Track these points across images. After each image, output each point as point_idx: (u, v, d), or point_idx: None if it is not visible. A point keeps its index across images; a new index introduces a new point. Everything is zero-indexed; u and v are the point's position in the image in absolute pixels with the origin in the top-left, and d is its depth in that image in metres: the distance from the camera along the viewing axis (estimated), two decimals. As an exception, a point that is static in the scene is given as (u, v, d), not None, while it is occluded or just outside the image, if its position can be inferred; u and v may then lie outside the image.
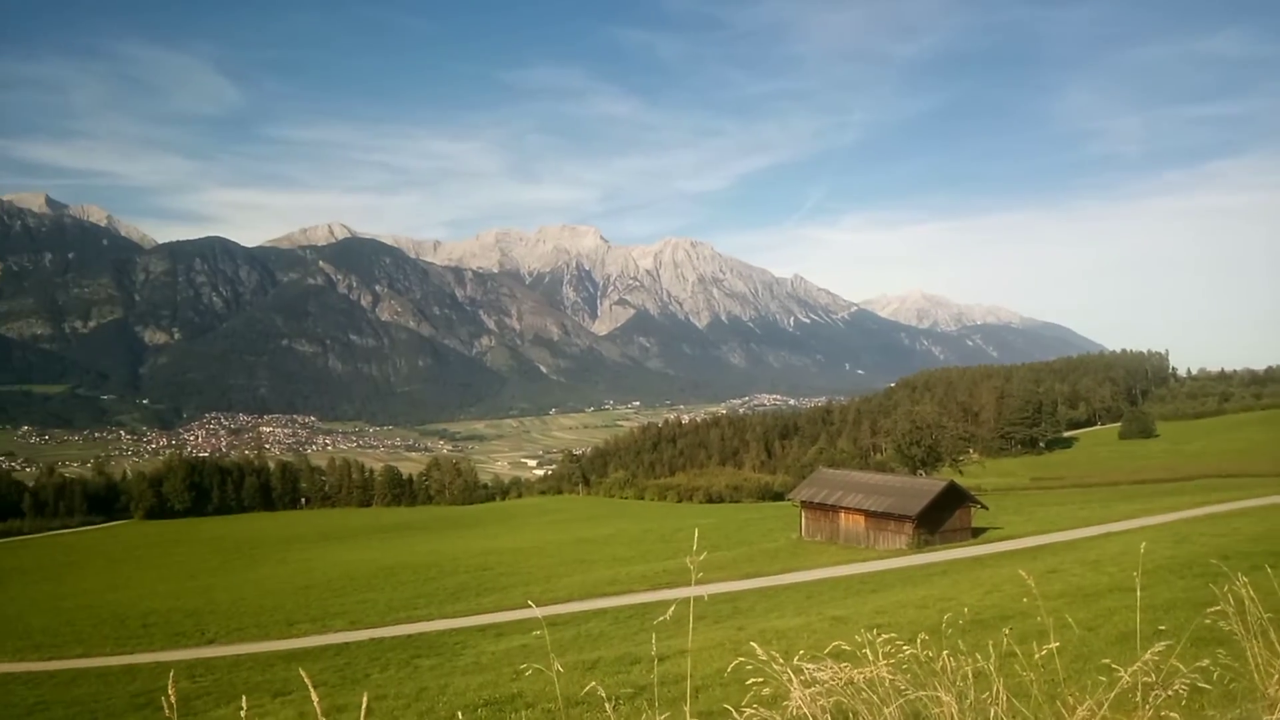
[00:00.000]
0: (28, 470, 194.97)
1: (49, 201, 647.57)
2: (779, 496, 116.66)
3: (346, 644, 34.55)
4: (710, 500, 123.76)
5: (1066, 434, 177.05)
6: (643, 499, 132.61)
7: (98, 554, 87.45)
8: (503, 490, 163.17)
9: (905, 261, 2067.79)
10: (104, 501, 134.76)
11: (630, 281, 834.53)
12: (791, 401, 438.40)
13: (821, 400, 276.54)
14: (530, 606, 38.16)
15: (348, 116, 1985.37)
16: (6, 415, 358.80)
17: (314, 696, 3.52)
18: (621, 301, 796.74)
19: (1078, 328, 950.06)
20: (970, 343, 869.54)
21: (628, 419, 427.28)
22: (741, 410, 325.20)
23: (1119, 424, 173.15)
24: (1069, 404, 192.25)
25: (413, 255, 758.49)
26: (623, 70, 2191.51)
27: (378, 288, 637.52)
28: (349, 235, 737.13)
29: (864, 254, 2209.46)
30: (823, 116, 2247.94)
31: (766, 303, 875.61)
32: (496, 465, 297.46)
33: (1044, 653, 4.80)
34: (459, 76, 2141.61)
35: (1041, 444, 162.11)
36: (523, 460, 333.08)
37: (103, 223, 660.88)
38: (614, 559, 56.90)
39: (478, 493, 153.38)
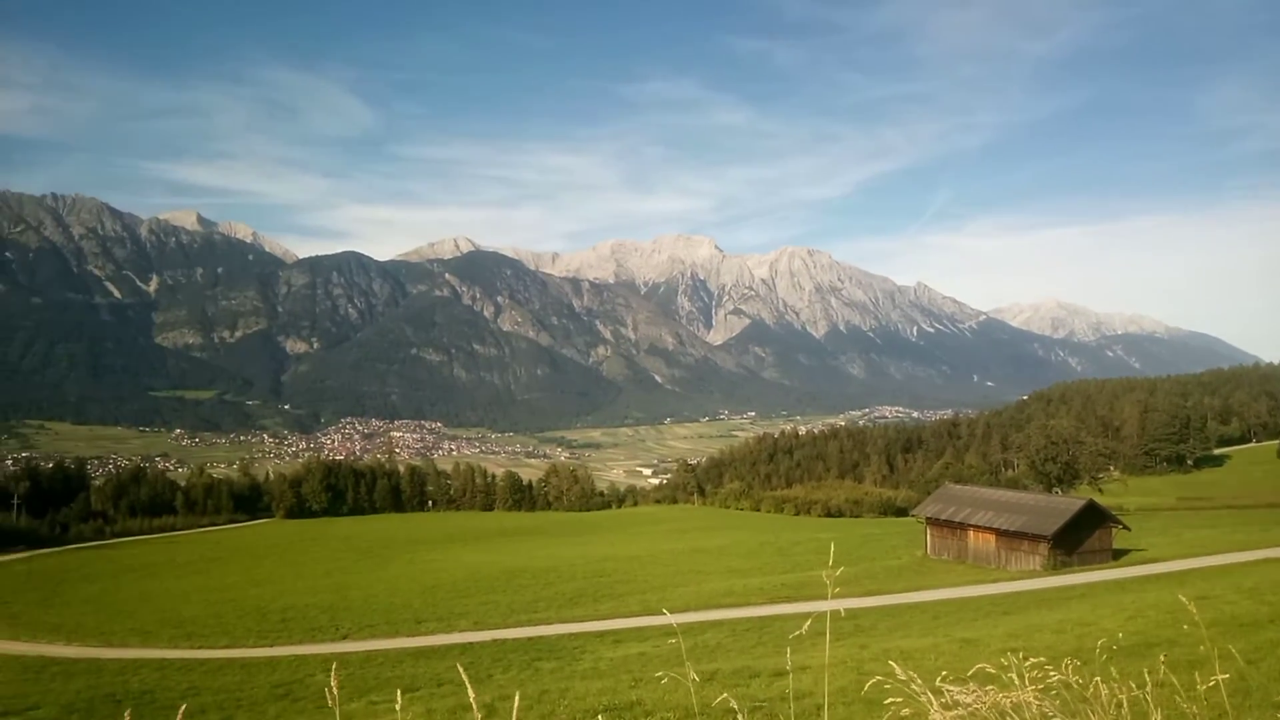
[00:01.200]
0: (180, 470, 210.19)
1: (200, 220, 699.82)
2: (902, 512, 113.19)
3: (470, 644, 35.55)
4: (829, 514, 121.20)
5: (1217, 451, 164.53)
6: (758, 510, 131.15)
7: (242, 550, 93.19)
8: (618, 498, 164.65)
9: (1038, 268, 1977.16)
10: (248, 501, 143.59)
11: (745, 291, 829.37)
12: (915, 414, 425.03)
13: (947, 413, 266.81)
14: (655, 614, 38.34)
15: (471, 134, 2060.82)
16: (162, 419, 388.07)
17: (471, 693, 3.66)
18: (736, 311, 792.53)
19: (1229, 337, 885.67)
20: (1110, 353, 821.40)
21: (743, 429, 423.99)
22: (861, 422, 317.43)
23: (1277, 441, 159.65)
24: (1220, 419, 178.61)
25: (532, 267, 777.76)
26: (738, 79, 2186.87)
27: (499, 299, 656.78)
28: (473, 249, 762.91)
29: (992, 260, 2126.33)
30: (947, 119, 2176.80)
31: (888, 312, 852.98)
32: (612, 473, 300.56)
33: (1208, 684, 4.49)
34: (576, 92, 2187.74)
35: (1189, 461, 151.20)
36: (638, 469, 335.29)
37: (248, 239, 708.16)
38: (730, 570, 56.49)
39: (594, 500, 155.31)
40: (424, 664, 32.07)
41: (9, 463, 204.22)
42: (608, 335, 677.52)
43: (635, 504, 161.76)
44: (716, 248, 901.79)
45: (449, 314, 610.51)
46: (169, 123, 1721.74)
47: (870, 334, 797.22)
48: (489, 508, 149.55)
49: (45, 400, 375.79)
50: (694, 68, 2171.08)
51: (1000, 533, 52.30)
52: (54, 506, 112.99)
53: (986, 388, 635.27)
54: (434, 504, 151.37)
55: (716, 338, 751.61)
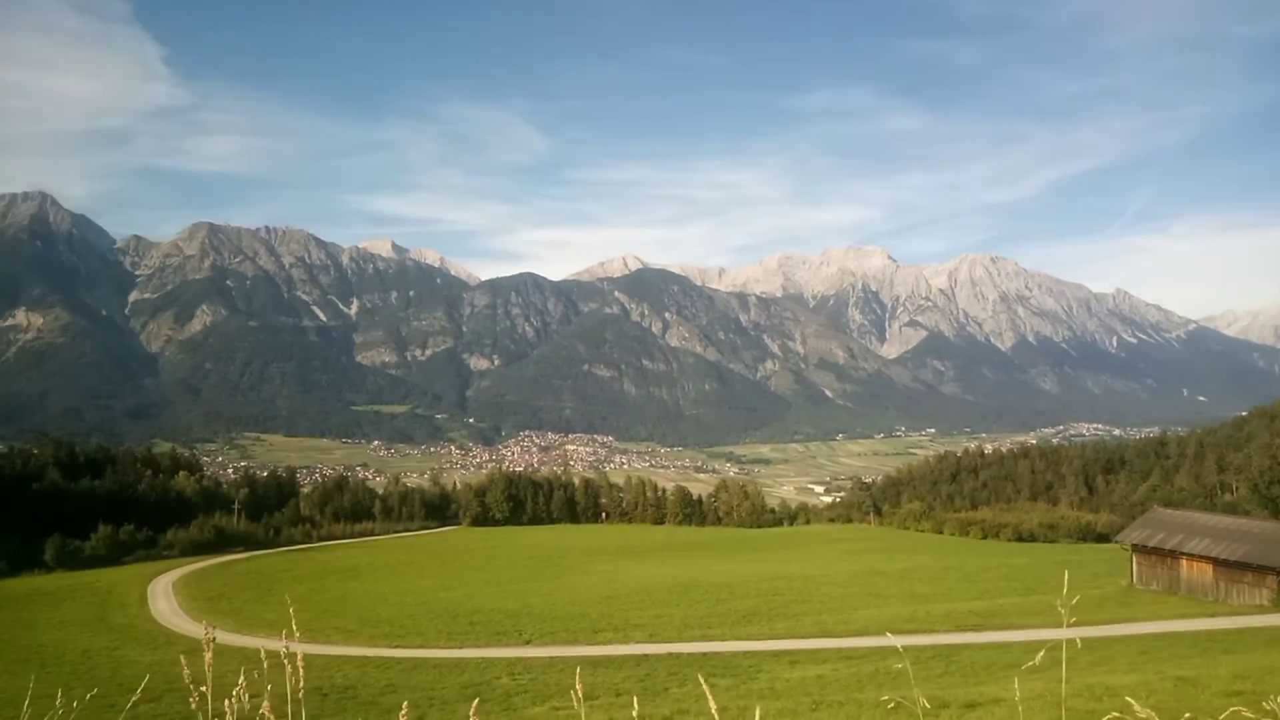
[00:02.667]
0: (378, 479, 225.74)
1: (394, 247, 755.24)
2: (1102, 538, 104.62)
3: (646, 656, 35.85)
4: (1019, 539, 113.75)
5: None
6: (940, 533, 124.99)
7: (433, 555, 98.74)
8: (790, 515, 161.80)
9: (1257, 271, 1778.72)
10: (438, 508, 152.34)
11: (922, 302, 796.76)
12: (1116, 431, 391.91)
13: (1153, 431, 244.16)
14: (832, 636, 37.28)
15: (641, 155, 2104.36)
16: (362, 431, 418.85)
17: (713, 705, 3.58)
18: (912, 323, 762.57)
19: None
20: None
21: (921, 447, 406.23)
22: (1055, 440, 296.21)
23: None
24: None
25: (699, 283, 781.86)
26: (911, 83, 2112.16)
27: (667, 315, 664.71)
28: (641, 266, 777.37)
29: (1202, 264, 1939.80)
30: (1146, 113, 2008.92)
31: (1083, 321, 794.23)
32: (782, 489, 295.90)
33: None
34: (745, 106, 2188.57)
35: None
36: (809, 486, 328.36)
37: (437, 264, 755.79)
38: (912, 595, 54.05)
39: (765, 516, 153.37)
40: (602, 673, 32.62)
41: (230, 471, 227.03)
42: (775, 350, 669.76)
43: (808, 522, 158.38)
44: (889, 258, 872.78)
45: (619, 331, 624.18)
46: (367, 158, 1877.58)
47: (1063, 345, 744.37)
48: (660, 521, 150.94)
49: (261, 414, 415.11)
50: (865, 74, 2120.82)
51: (1219, 562, 47.16)
52: (269, 511, 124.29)
53: (1198, 403, 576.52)
54: (607, 516, 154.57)
55: (891, 351, 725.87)
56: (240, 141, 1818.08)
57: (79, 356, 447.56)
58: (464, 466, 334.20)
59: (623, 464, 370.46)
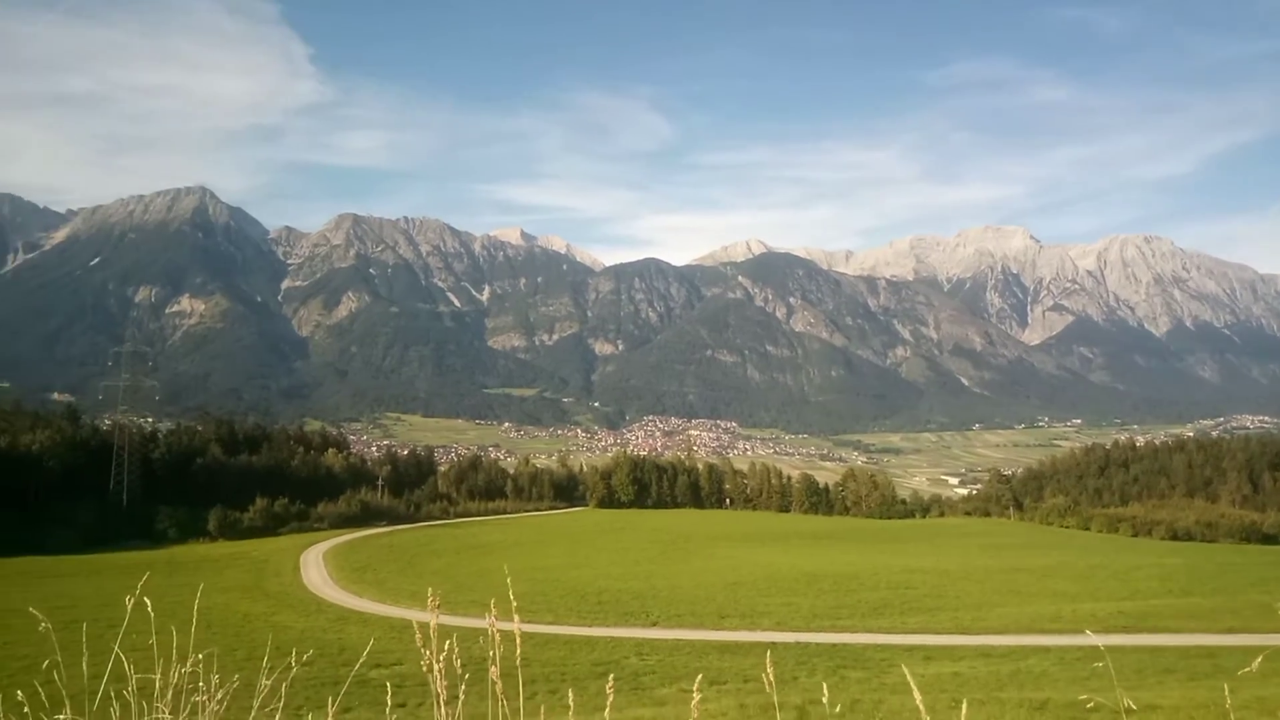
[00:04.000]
0: (509, 460, 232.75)
1: (523, 235, 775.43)
2: (1269, 539, 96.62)
3: (773, 643, 35.49)
4: (1174, 537, 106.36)
5: None
6: (1087, 529, 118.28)
7: (561, 534, 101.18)
8: (923, 507, 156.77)
9: None
10: (566, 489, 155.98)
11: (1067, 285, 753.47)
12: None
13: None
14: (970, 633, 35.93)
15: (765, 137, 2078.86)
16: (493, 413, 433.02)
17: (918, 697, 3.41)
18: (1057, 307, 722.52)
19: None
20: None
21: (1066, 438, 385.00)
22: (1215, 433, 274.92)
23: None
24: None
25: (825, 266, 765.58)
26: (1057, 52, 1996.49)
27: (791, 300, 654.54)
28: (764, 250, 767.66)
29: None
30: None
31: (1248, 305, 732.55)
32: (914, 480, 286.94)
33: None
34: (871, 84, 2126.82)
35: None
36: (943, 477, 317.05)
37: (563, 250, 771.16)
38: (1055, 594, 51.34)
39: (896, 508, 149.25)
40: (729, 658, 32.54)
41: (374, 449, 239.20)
42: (906, 335, 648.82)
43: (941, 514, 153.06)
44: (1031, 238, 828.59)
45: (742, 315, 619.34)
46: (498, 149, 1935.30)
47: (1225, 331, 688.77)
48: (785, 509, 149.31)
49: (401, 395, 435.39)
50: (1006, 44, 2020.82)
51: None
52: (409, 488, 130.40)
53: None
54: (731, 502, 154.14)
55: (1033, 337, 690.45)
56: (381, 136, 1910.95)
57: (237, 340, 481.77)
58: (589, 449, 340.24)
59: (746, 450, 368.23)
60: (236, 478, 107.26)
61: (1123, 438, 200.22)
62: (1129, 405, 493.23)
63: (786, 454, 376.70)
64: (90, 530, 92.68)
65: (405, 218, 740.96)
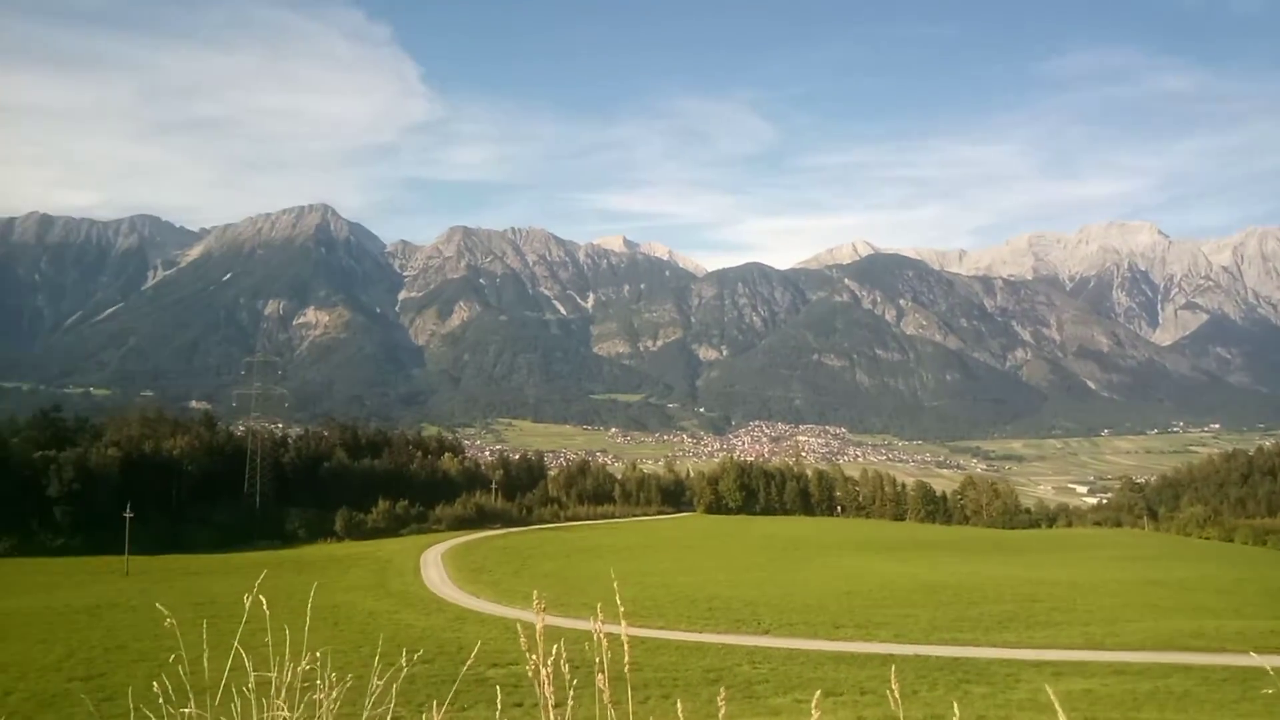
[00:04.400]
0: (616, 465, 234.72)
1: (625, 242, 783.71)
2: None
3: (890, 655, 34.40)
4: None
5: None
6: (1230, 541, 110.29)
7: (669, 540, 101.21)
8: (1048, 517, 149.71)
9: None
10: (673, 494, 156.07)
11: (1200, 281, 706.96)
12: None
13: None
14: (1102, 649, 33.93)
15: (870, 137, 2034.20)
16: (600, 419, 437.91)
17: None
18: (1190, 305, 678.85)
19: None
20: None
21: (1203, 444, 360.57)
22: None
23: None
24: None
25: (936, 267, 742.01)
26: (1183, 38, 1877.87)
27: (901, 302, 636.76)
28: (872, 252, 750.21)
29: None
30: None
31: None
32: (1039, 489, 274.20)
33: None
34: (982, 78, 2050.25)
35: None
36: (1070, 486, 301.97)
37: (665, 257, 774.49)
38: (1198, 609, 47.97)
39: (1019, 517, 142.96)
40: (845, 669, 31.73)
41: (487, 454, 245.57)
42: (1026, 337, 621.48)
43: (1069, 524, 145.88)
44: (1160, 233, 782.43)
45: (849, 319, 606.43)
46: (599, 158, 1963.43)
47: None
48: (899, 517, 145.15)
49: (511, 401, 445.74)
50: (1127, 31, 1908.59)
51: None
52: (521, 491, 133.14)
53: None
54: (842, 509, 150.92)
55: (1164, 337, 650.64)
56: (489, 149, 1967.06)
57: (359, 350, 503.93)
58: (695, 454, 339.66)
59: (857, 456, 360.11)
60: (360, 481, 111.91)
61: (1267, 443, 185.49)
62: (1273, 408, 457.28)
63: (900, 460, 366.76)
64: (227, 530, 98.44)
65: (513, 228, 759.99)
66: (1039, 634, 39.93)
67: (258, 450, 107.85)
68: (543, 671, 3.77)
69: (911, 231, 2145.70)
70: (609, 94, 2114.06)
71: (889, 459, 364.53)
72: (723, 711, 3.66)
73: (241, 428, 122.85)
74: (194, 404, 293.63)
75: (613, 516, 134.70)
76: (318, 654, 4.66)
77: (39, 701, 25.73)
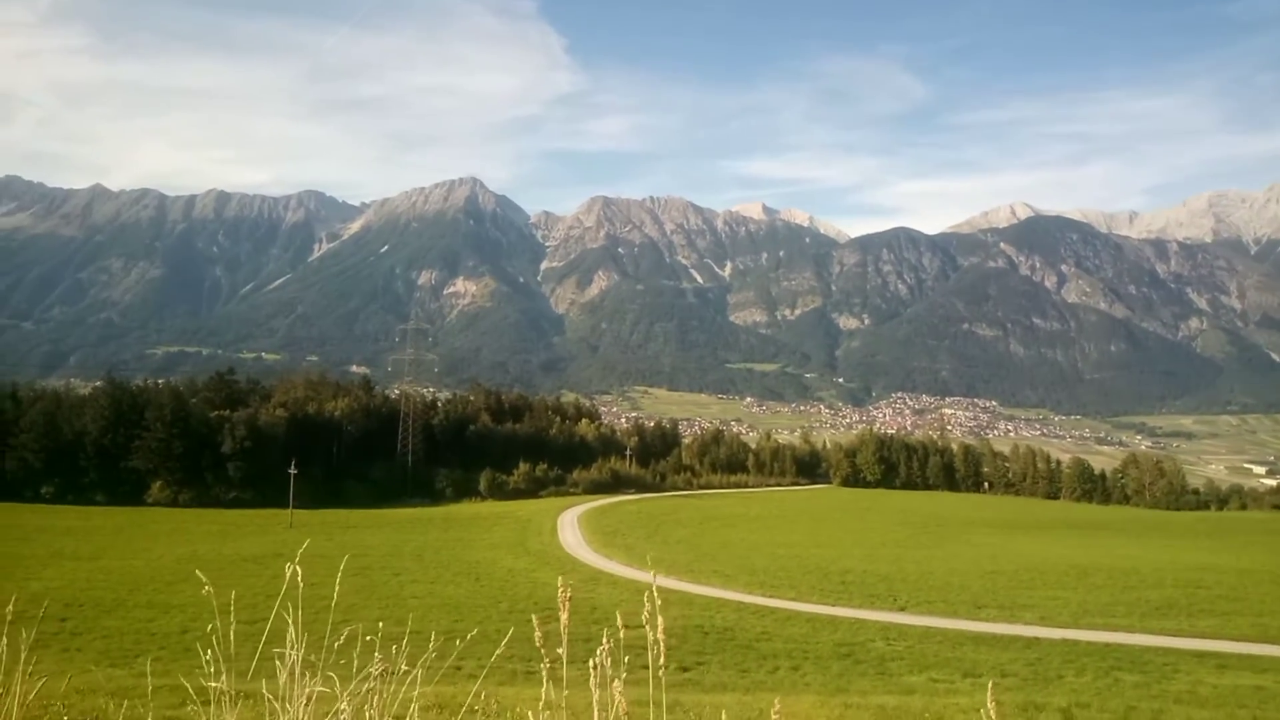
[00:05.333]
0: (751, 434, 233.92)
1: (764, 209, 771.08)
2: None
3: (1036, 639, 33.00)
4: None
5: None
6: None
7: (803, 511, 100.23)
8: (1219, 499, 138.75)
9: None
10: (808, 466, 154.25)
11: None
12: None
13: None
14: (1277, 642, 31.28)
15: (1031, 91, 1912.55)
16: (735, 388, 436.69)
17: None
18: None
19: None
20: None
21: None
22: None
23: None
24: None
25: (1103, 230, 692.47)
26: None
27: (1063, 267, 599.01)
28: (1031, 214, 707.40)
29: None
30: None
31: None
32: (1210, 468, 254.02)
33: None
34: (1157, 23, 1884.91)
35: None
36: (1246, 465, 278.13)
37: (805, 223, 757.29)
38: (1397, 604, 43.32)
39: (1185, 498, 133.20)
40: (985, 651, 30.67)
41: (623, 420, 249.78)
42: (1203, 305, 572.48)
43: (1243, 507, 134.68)
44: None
45: (1004, 286, 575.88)
46: (739, 123, 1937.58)
47: None
48: (1053, 496, 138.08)
49: (647, 369, 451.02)
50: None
51: None
52: (655, 458, 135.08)
53: None
54: (990, 486, 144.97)
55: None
56: (629, 119, 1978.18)
57: (504, 318, 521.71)
58: (833, 426, 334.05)
59: (1008, 431, 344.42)
60: (503, 443, 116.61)
61: None
62: None
63: (1056, 436, 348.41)
64: (381, 487, 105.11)
65: (650, 197, 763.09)
66: (1202, 623, 37.23)
67: (410, 413, 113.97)
68: (659, 637, 3.82)
69: (1076, 192, 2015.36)
70: (750, 57, 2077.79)
71: (1044, 434, 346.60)
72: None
73: (395, 391, 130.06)
74: (354, 369, 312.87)
75: (746, 486, 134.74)
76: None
77: (206, 640, 28.48)
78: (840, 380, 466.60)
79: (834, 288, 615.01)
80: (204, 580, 4.86)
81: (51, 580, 41.16)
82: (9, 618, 5.06)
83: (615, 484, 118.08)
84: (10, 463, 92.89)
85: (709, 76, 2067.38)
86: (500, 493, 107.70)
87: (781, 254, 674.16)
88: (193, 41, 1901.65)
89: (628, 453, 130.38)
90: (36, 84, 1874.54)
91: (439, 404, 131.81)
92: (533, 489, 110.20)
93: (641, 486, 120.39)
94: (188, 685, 4.83)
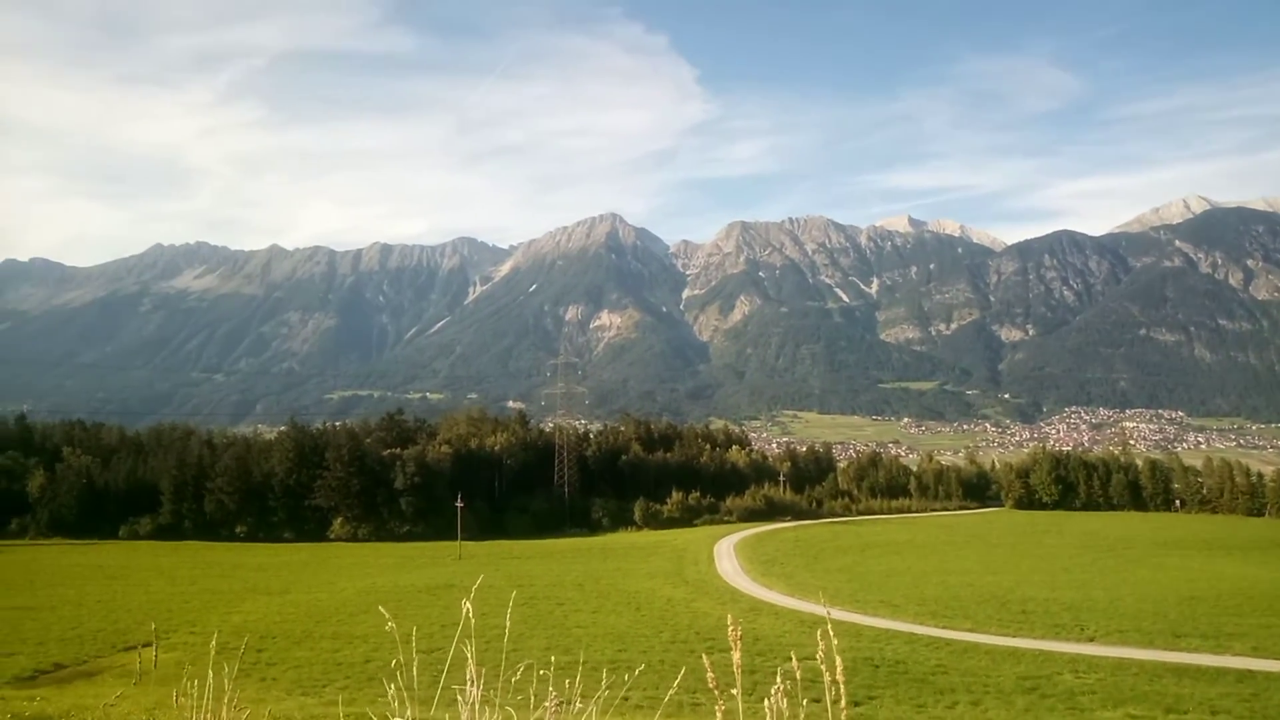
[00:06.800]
0: (910, 456, 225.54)
1: (910, 221, 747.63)
2: None
3: (1250, 671, 29.75)
4: None
5: None
6: None
7: (974, 536, 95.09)
8: None
9: None
10: (976, 488, 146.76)
11: None
12: None
13: None
14: None
15: (1196, 75, 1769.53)
16: (890, 408, 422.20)
17: None
18: None
19: None
20: None
21: None
22: None
23: None
24: None
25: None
26: None
27: (1249, 262, 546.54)
28: (1208, 207, 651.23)
29: None
30: None
31: None
32: None
33: None
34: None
35: None
36: None
37: (956, 233, 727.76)
38: None
39: None
40: (1189, 684, 27.95)
41: (774, 446, 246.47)
42: None
43: None
44: None
45: (1183, 286, 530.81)
46: (879, 136, 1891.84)
47: None
48: (1255, 512, 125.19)
49: (796, 393, 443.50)
50: None
51: None
52: (809, 484, 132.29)
53: None
54: (1182, 503, 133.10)
55: None
56: (763, 142, 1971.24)
57: (649, 349, 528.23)
58: (1001, 445, 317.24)
59: (1198, 443, 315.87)
60: (655, 473, 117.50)
61: None
62: None
63: (1254, 446, 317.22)
64: (540, 518, 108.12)
65: (789, 219, 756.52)
66: None
67: (564, 445, 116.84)
68: (836, 673, 3.60)
69: (1258, 180, 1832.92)
70: (887, 67, 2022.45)
71: (1240, 445, 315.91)
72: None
73: (549, 424, 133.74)
74: (510, 404, 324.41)
75: (908, 511, 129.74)
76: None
77: (387, 671, 29.89)
78: (1006, 396, 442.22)
79: (992, 298, 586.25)
80: (386, 615, 5.06)
81: (249, 613, 44.47)
82: (214, 650, 5.54)
83: (770, 511, 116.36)
84: (209, 505, 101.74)
85: (844, 91, 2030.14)
86: (655, 522, 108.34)
87: (932, 266, 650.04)
88: (353, 107, 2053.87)
89: (781, 479, 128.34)
90: (217, 157, 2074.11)
91: (591, 436, 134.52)
92: (687, 517, 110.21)
93: (797, 513, 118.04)
94: (372, 715, 5.01)
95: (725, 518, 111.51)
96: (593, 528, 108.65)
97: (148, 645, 35.76)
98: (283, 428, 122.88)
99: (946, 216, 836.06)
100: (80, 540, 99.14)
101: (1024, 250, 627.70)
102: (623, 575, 63.22)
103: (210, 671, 5.36)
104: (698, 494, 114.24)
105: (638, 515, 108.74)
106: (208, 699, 5.31)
